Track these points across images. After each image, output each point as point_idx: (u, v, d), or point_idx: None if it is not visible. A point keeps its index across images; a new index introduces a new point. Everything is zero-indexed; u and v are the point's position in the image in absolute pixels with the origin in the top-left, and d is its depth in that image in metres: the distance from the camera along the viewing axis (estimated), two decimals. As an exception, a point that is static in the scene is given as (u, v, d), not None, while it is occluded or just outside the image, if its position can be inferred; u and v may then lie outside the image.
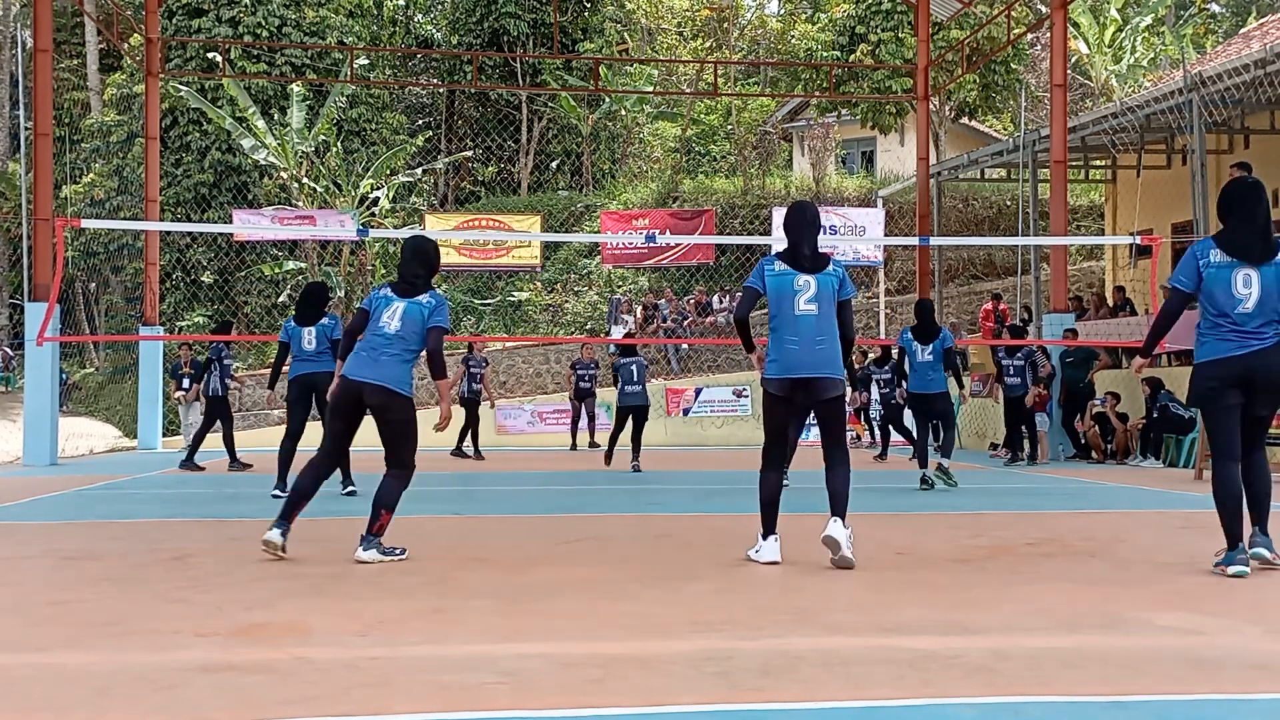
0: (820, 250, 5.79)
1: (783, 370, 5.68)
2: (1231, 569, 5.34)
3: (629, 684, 3.45)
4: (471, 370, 16.07)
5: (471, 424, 16.21)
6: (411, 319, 5.96)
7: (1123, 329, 16.50)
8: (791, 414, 5.85)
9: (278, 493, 9.27)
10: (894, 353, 14.97)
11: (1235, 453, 5.43)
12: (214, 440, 13.77)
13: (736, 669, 3.60)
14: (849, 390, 14.35)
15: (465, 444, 16.33)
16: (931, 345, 10.47)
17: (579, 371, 17.62)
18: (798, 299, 5.65)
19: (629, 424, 13.18)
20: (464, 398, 16.06)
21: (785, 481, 9.95)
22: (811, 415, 6.03)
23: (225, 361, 13.46)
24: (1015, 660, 3.77)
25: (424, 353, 6.01)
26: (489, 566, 5.79)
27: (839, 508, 5.71)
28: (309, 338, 9.46)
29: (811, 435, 19.19)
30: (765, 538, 5.84)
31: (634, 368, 13.07)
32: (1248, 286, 5.35)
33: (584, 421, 17.85)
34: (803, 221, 5.78)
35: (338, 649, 3.90)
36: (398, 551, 5.98)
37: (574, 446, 18.15)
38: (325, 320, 9.52)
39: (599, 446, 16.16)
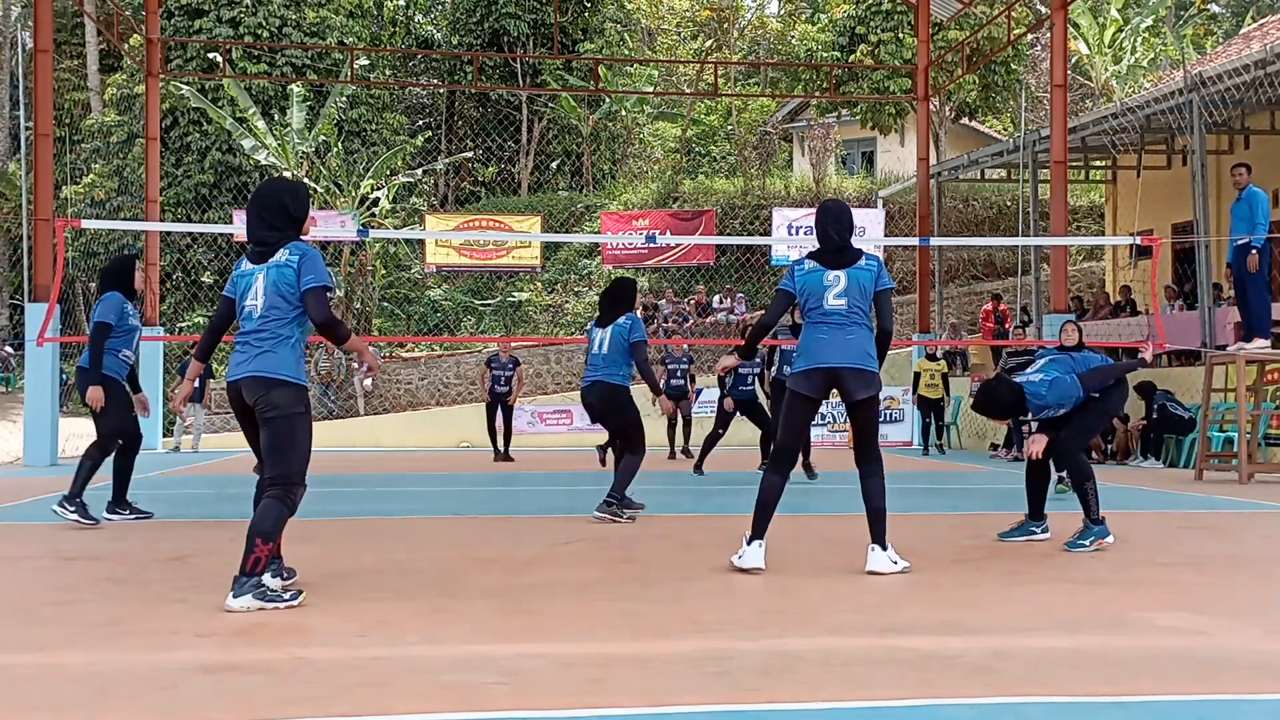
0: (852, 246, 5.58)
1: (810, 361, 5.46)
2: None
3: (629, 684, 3.44)
4: (495, 372, 15.22)
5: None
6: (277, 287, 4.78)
7: (1123, 329, 16.50)
8: (813, 413, 5.62)
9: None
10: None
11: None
12: (220, 441, 13.78)
13: (736, 669, 3.60)
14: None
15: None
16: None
17: (495, 371, 15.35)
18: (827, 294, 5.47)
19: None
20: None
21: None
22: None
23: None
24: (1015, 660, 3.77)
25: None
26: (489, 566, 5.78)
27: (878, 531, 5.51)
28: None
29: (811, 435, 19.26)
30: (750, 542, 5.53)
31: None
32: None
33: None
34: (826, 218, 5.60)
35: (338, 649, 3.90)
36: (287, 596, 4.66)
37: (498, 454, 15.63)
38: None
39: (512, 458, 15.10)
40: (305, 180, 24.25)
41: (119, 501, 8.13)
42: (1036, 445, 6.55)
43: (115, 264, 7.85)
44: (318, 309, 4.74)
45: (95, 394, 7.55)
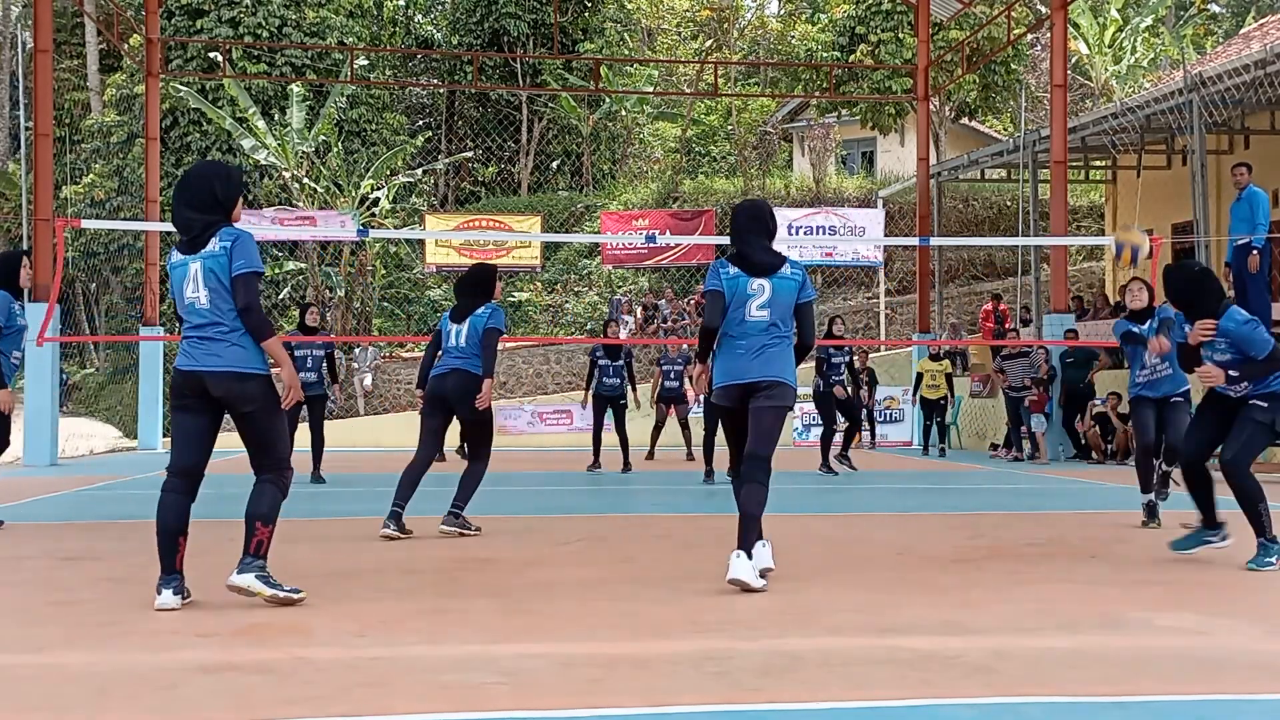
0: (775, 251, 5.39)
1: (728, 377, 5.33)
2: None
3: (629, 684, 3.45)
4: None
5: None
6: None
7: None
8: (741, 423, 5.37)
9: None
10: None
11: None
12: (219, 441, 13.80)
13: (736, 669, 3.60)
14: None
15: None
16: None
17: None
18: (749, 305, 5.28)
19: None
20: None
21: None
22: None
23: None
24: (1015, 660, 3.77)
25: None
26: (489, 566, 5.79)
27: (747, 538, 5.09)
28: None
29: (811, 435, 19.29)
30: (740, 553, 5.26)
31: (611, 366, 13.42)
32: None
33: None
34: (755, 222, 5.41)
35: (338, 649, 3.90)
36: (287, 588, 4.75)
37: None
38: None
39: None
40: (305, 180, 24.26)
41: None
42: (1213, 374, 5.92)
43: (1, 260, 7.53)
44: (244, 294, 4.64)
45: (6, 397, 7.34)
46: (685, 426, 15.60)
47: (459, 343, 7.11)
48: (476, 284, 7.22)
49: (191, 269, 4.68)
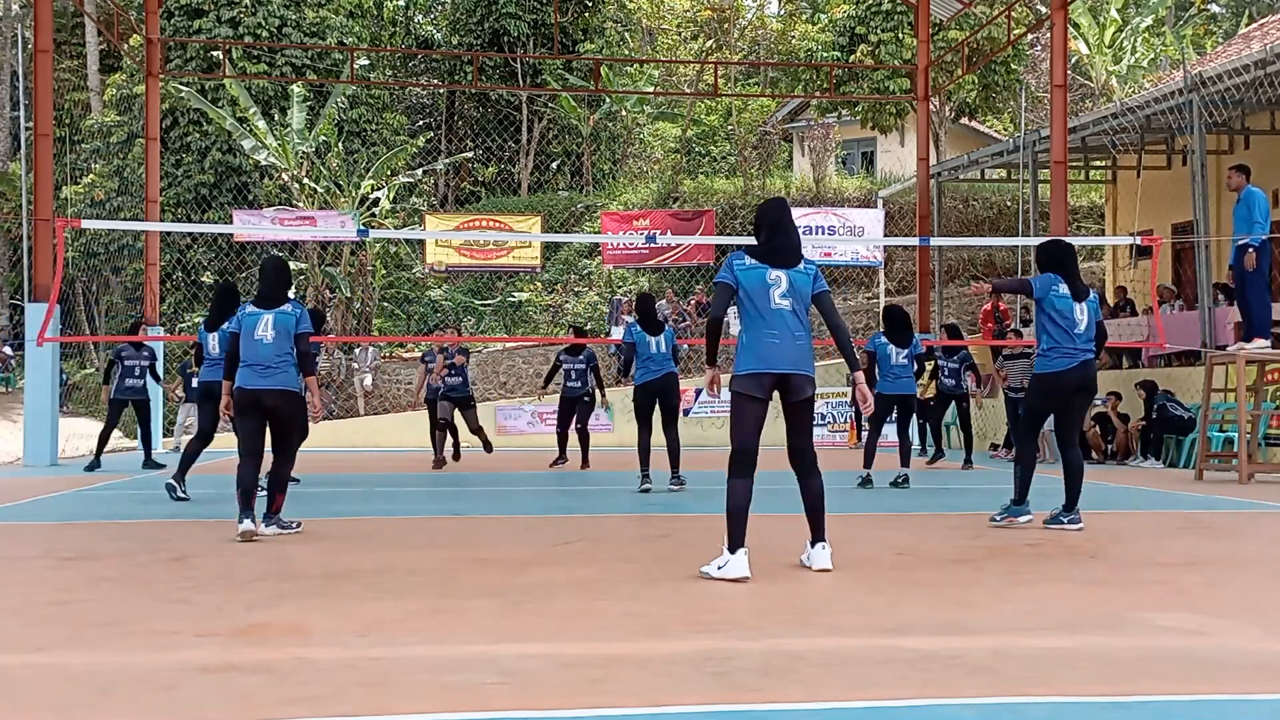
0: (793, 248, 5.58)
1: (762, 365, 5.35)
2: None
3: (629, 684, 3.45)
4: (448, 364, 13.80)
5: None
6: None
7: (1123, 329, 16.49)
8: (764, 415, 5.43)
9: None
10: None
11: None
12: (220, 441, 13.88)
13: (736, 669, 3.60)
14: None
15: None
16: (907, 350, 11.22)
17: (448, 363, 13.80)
18: (771, 293, 5.40)
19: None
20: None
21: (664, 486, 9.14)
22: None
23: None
24: (1015, 660, 3.77)
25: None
26: (489, 566, 5.79)
27: (820, 529, 5.63)
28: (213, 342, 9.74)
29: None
30: (734, 551, 5.29)
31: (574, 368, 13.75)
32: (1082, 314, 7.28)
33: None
34: (773, 218, 5.62)
35: (338, 649, 3.90)
36: (295, 525, 7.21)
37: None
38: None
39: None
40: (305, 180, 24.26)
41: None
42: None
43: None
44: (306, 344, 7.22)
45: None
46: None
47: (663, 350, 10.08)
48: (654, 307, 10.37)
49: (265, 318, 7.07)
